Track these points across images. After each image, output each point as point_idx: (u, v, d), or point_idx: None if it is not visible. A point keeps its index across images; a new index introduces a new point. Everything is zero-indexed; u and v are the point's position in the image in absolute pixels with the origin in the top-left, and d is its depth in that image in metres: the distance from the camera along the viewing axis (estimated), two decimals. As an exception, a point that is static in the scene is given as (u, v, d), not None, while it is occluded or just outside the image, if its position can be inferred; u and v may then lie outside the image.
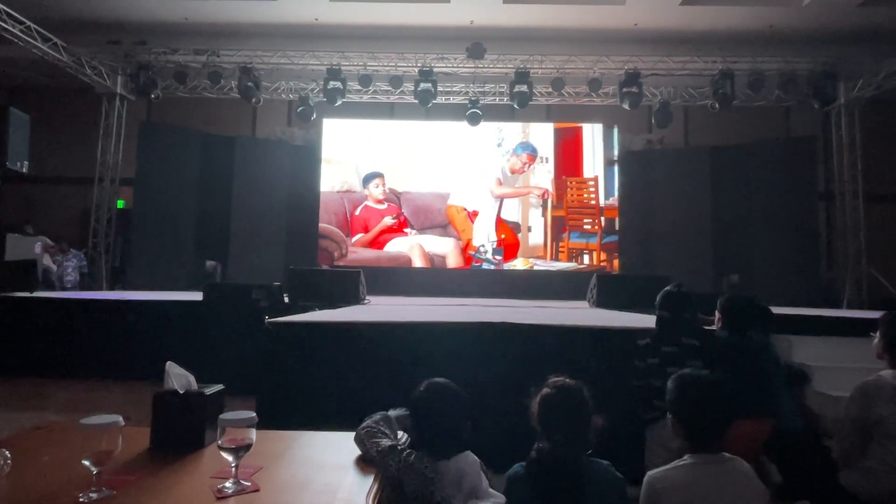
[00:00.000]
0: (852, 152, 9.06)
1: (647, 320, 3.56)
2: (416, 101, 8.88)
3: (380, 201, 9.92)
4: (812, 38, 8.79)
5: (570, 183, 9.94)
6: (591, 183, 9.91)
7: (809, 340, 4.24)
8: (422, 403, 1.71)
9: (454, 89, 9.60)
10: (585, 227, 9.83)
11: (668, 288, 2.77)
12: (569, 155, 9.99)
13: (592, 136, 10.01)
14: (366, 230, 9.85)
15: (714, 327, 2.87)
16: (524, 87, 8.65)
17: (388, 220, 9.83)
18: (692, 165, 9.68)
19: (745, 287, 8.10)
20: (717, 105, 8.83)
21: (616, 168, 9.95)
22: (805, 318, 4.85)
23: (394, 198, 9.93)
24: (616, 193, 9.87)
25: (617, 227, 9.80)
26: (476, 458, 1.67)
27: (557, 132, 10.04)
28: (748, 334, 2.71)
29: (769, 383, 2.56)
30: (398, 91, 9.17)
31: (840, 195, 9.30)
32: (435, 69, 8.74)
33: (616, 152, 9.97)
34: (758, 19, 8.51)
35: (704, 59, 8.65)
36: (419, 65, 8.71)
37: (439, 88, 8.95)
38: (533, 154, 10.02)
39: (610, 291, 6.56)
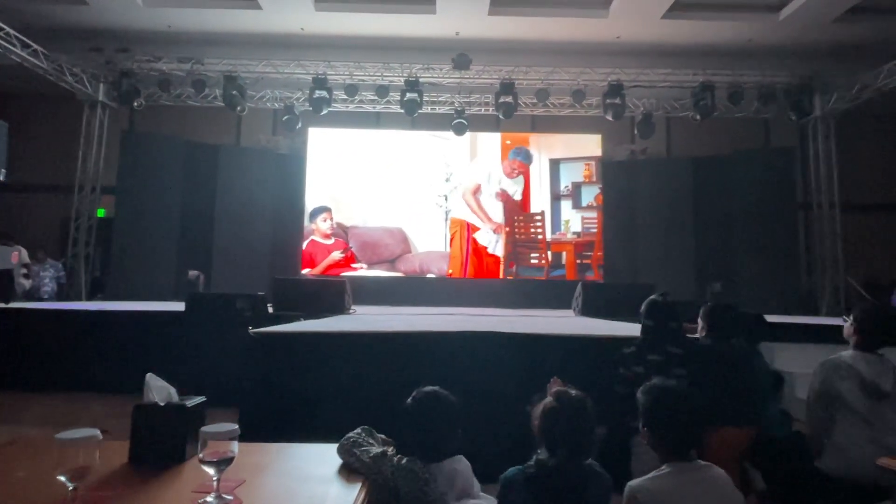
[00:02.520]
0: (829, 163, 9.29)
1: (633, 329, 3.59)
2: (402, 111, 8.91)
3: (327, 236, 9.77)
4: (789, 53, 9.03)
5: (518, 218, 9.99)
6: (538, 218, 9.95)
7: (789, 347, 4.32)
8: (415, 410, 1.73)
9: (440, 99, 9.66)
10: (532, 261, 9.87)
11: (653, 297, 2.79)
12: (516, 190, 10.05)
13: (539, 171, 10.07)
14: (312, 265, 9.68)
15: (697, 335, 2.90)
16: (509, 98, 8.74)
17: (336, 255, 9.65)
18: (674, 175, 9.85)
19: (727, 295, 8.22)
20: (698, 116, 9.01)
21: (562, 203, 10.01)
22: (785, 326, 4.94)
23: (341, 232, 9.79)
24: (562, 228, 9.96)
25: (563, 262, 9.83)
26: (468, 462, 1.68)
27: None
28: (732, 342, 2.74)
29: (753, 391, 2.59)
30: (384, 101, 9.19)
31: (817, 205, 9.51)
32: (421, 79, 8.79)
33: (562, 187, 10.03)
34: (737, 34, 8.72)
35: (685, 71, 8.83)
36: (405, 75, 8.76)
37: (425, 98, 9.00)
38: (524, 162, 10.03)
39: (595, 300, 6.62)
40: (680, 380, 2.44)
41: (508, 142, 10.14)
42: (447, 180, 9.97)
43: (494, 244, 9.88)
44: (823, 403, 2.32)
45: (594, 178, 10.06)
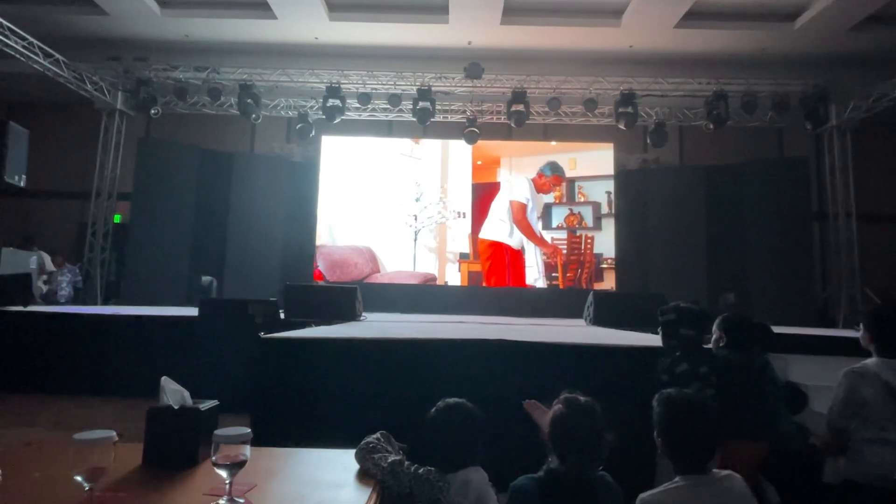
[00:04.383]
0: (844, 173, 9.17)
1: (645, 338, 3.55)
2: (415, 120, 8.97)
3: None
4: (804, 62, 8.97)
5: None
6: None
7: (805, 360, 4.24)
8: (438, 421, 1.73)
9: (452, 108, 9.71)
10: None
11: (688, 306, 2.74)
12: (486, 210, 9.95)
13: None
14: None
15: (710, 346, 2.86)
16: (521, 107, 8.77)
17: None
18: (687, 184, 9.77)
19: (740, 306, 8.11)
20: (711, 125, 8.95)
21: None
22: (800, 338, 4.85)
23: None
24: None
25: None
26: (484, 472, 1.68)
27: (476, 188, 10.00)
28: (747, 353, 2.70)
29: (768, 403, 2.55)
30: (396, 109, 9.26)
31: (833, 215, 9.39)
32: (433, 88, 8.85)
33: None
34: (750, 42, 8.68)
35: (698, 80, 8.79)
36: (418, 84, 8.82)
37: (437, 107, 9.05)
38: (561, 176, 9.95)
39: (607, 309, 6.55)
40: (708, 390, 2.40)
41: (479, 162, 10.08)
42: (417, 200, 9.92)
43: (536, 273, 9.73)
44: (848, 411, 2.30)
45: (564, 200, 10.01)
